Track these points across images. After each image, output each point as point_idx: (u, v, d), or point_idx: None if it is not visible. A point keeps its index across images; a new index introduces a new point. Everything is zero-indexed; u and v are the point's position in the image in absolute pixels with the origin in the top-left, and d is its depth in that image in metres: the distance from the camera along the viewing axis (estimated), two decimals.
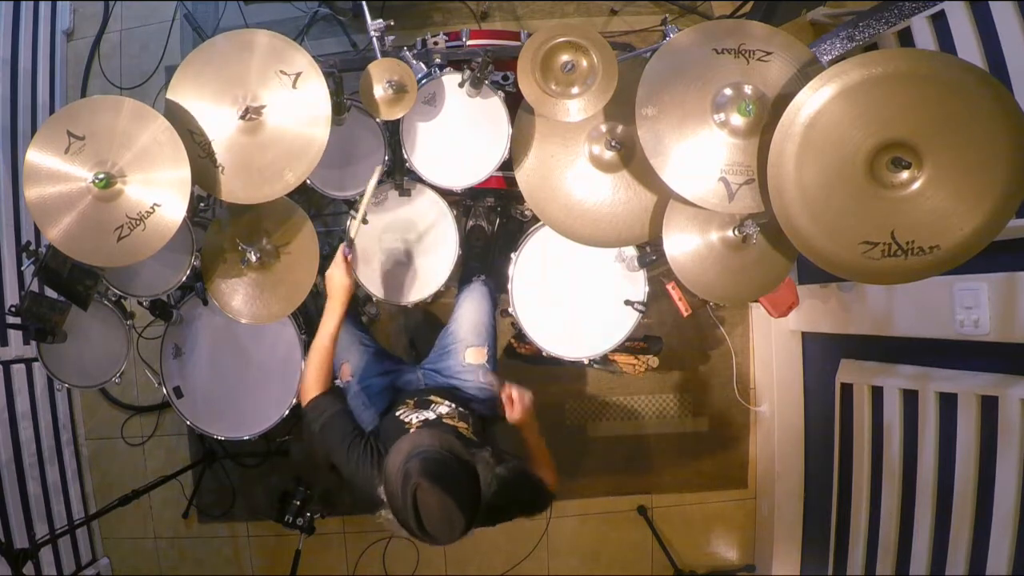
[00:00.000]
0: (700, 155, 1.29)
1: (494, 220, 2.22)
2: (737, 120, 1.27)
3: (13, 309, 1.54)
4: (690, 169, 1.29)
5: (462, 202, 2.08)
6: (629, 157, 1.53)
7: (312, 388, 1.43)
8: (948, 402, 1.66)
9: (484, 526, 1.31)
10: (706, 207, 1.29)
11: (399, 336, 2.44)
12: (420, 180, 1.74)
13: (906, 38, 1.89)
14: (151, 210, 1.35)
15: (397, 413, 1.48)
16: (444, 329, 1.83)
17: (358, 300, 2.26)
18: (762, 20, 2.30)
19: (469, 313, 1.78)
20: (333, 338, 1.47)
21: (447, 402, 1.54)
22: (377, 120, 1.69)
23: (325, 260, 2.19)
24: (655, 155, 1.28)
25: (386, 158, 1.75)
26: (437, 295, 1.89)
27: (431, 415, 1.46)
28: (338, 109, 1.54)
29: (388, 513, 1.22)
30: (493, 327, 1.80)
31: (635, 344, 2.07)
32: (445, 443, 1.19)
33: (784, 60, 1.29)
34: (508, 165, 1.64)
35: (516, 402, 1.51)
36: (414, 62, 1.68)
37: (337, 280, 1.49)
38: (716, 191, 1.29)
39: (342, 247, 1.53)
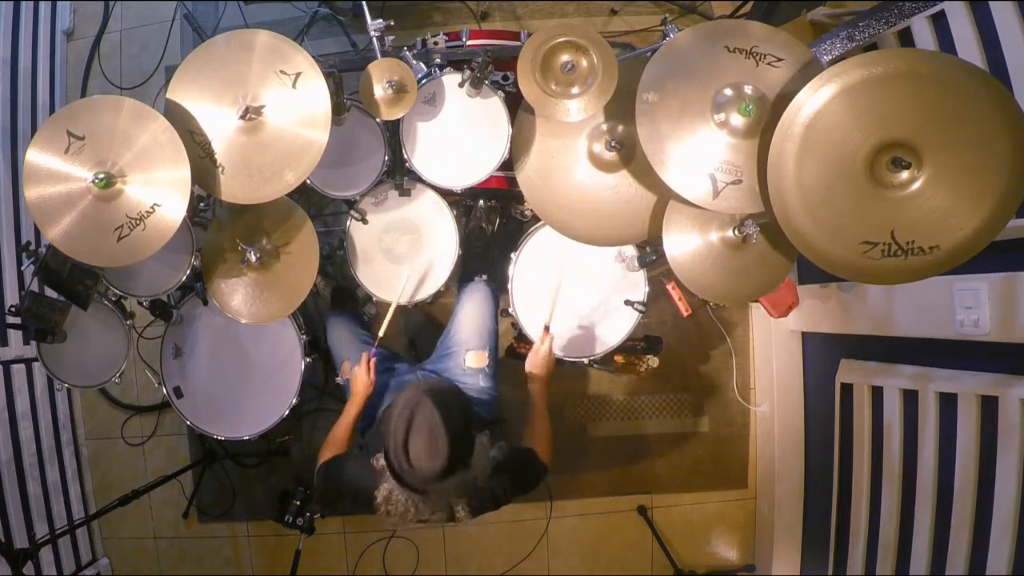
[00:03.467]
0: (694, 149, 1.29)
1: (494, 220, 2.22)
2: (737, 120, 1.27)
3: (13, 309, 1.54)
4: (681, 160, 1.29)
5: (462, 202, 2.08)
6: (629, 157, 1.53)
7: (327, 453, 1.52)
8: (948, 402, 1.66)
9: (481, 510, 1.34)
10: (687, 199, 1.30)
11: (399, 336, 2.44)
12: (420, 180, 1.74)
13: (906, 38, 1.88)
14: (151, 210, 1.35)
15: None
16: (444, 331, 1.82)
17: (358, 299, 2.26)
18: (762, 20, 2.30)
19: (470, 314, 1.77)
20: (351, 425, 1.59)
21: None
22: (377, 120, 1.69)
23: (325, 260, 2.22)
24: (649, 141, 1.29)
25: (386, 158, 1.75)
26: (437, 295, 1.89)
27: None
28: (338, 109, 1.54)
29: (382, 486, 1.25)
30: (495, 329, 1.79)
31: (635, 344, 2.07)
32: (457, 391, 1.27)
33: (793, 67, 1.29)
34: (508, 165, 1.64)
35: (545, 345, 1.60)
36: (414, 62, 1.68)
37: (360, 381, 1.60)
38: (702, 186, 1.29)
39: (369, 352, 1.63)
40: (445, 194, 1.82)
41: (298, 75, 1.41)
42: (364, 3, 1.64)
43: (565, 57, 1.43)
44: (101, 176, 1.31)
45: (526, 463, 1.46)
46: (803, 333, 2.36)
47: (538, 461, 1.48)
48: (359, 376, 1.61)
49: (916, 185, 1.13)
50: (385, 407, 1.31)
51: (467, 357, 1.72)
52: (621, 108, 1.45)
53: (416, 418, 1.15)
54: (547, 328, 1.65)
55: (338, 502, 1.45)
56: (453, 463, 1.16)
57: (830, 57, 1.48)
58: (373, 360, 1.62)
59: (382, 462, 1.24)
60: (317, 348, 2.11)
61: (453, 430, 1.15)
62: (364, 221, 1.81)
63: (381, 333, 1.65)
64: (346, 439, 1.56)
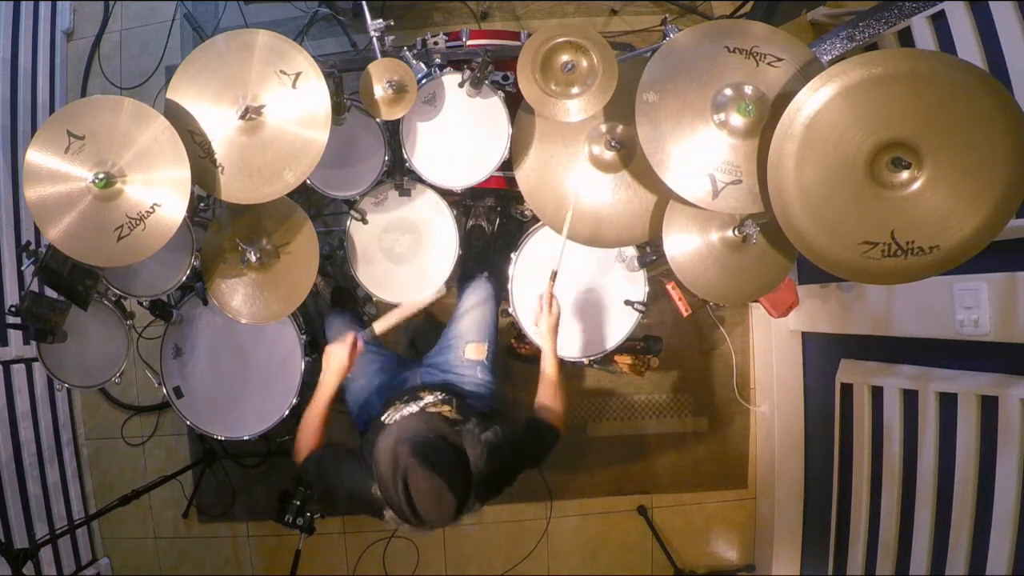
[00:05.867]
0: (694, 149, 1.29)
1: (494, 220, 2.23)
2: (737, 120, 1.27)
3: (13, 309, 1.54)
4: (681, 160, 1.29)
5: (462, 202, 2.08)
6: (629, 157, 1.53)
7: (304, 449, 1.43)
8: (948, 402, 1.66)
9: (492, 495, 1.32)
10: (687, 199, 1.30)
11: (399, 336, 2.44)
12: (420, 180, 1.74)
13: (906, 38, 1.89)
14: (151, 210, 1.35)
15: (383, 417, 1.48)
16: (447, 326, 1.83)
17: (358, 299, 2.26)
18: (762, 20, 2.31)
19: (472, 309, 1.78)
20: (327, 407, 1.47)
21: (436, 393, 1.55)
22: (377, 120, 1.69)
23: (325, 260, 2.22)
24: (649, 141, 1.29)
25: (386, 158, 1.75)
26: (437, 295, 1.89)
27: (414, 407, 1.46)
28: (338, 109, 1.54)
29: (389, 511, 1.23)
30: (495, 324, 1.80)
31: (635, 344, 2.08)
32: (432, 426, 1.22)
33: (793, 67, 1.29)
34: (508, 165, 1.64)
35: (551, 306, 1.53)
36: (414, 62, 1.68)
37: (335, 359, 1.48)
38: (701, 186, 1.29)
39: (359, 334, 1.53)
40: (445, 194, 1.82)
41: (298, 75, 1.41)
42: (364, 3, 1.64)
43: (565, 57, 1.42)
44: (101, 176, 1.31)
45: (530, 433, 1.42)
46: (803, 333, 2.36)
47: (545, 426, 1.42)
48: (335, 355, 1.48)
49: (916, 185, 1.13)
50: (375, 444, 1.24)
51: (467, 349, 1.72)
52: (621, 108, 1.45)
53: (413, 485, 1.11)
54: (551, 291, 1.56)
55: (335, 499, 1.41)
56: (464, 501, 1.16)
57: (830, 57, 1.48)
58: (361, 344, 1.53)
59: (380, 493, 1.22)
60: (317, 348, 2.10)
61: (453, 478, 1.13)
62: (364, 221, 1.81)
63: (378, 331, 1.60)
64: (320, 428, 1.45)
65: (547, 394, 1.50)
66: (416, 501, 1.12)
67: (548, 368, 1.52)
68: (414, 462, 1.11)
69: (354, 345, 1.50)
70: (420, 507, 1.12)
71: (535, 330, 1.58)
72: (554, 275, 1.57)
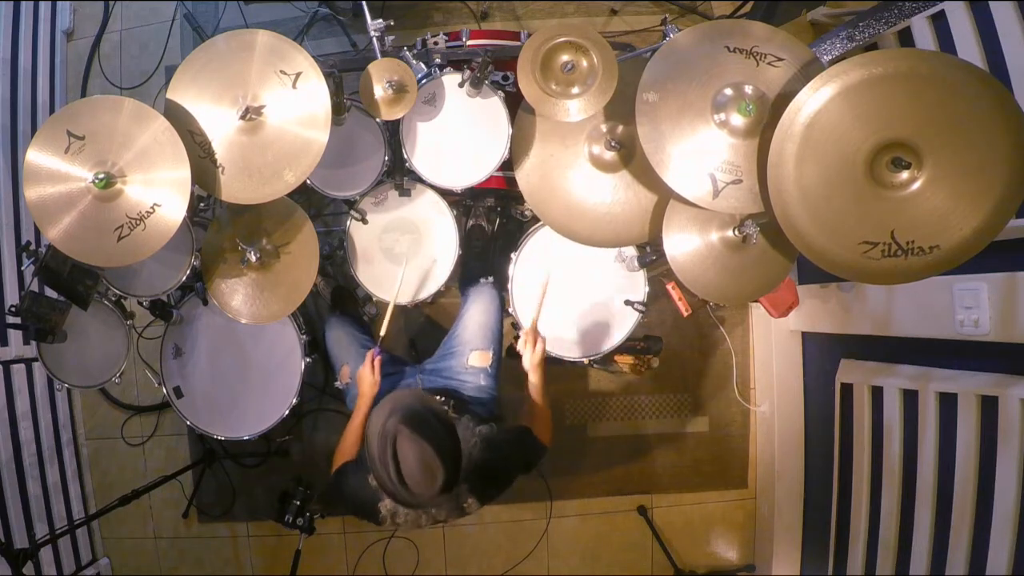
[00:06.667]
0: (694, 149, 1.29)
1: (494, 220, 2.23)
2: (737, 120, 1.27)
3: (13, 309, 1.54)
4: (681, 160, 1.29)
5: (462, 202, 2.08)
6: (629, 157, 1.54)
7: (336, 463, 1.51)
8: (948, 402, 1.66)
9: (488, 491, 1.34)
10: (687, 199, 1.30)
11: (399, 336, 2.44)
12: (420, 180, 1.74)
13: (906, 38, 1.89)
14: (151, 210, 1.35)
15: None
16: (450, 331, 1.82)
17: (358, 300, 2.26)
18: (762, 20, 2.31)
19: (477, 316, 1.77)
20: (360, 429, 1.54)
21: (436, 396, 1.57)
22: (377, 120, 1.69)
23: (325, 260, 2.22)
24: (649, 141, 1.29)
25: (386, 158, 1.75)
26: (437, 295, 1.89)
27: None
28: (338, 109, 1.54)
29: (386, 501, 1.24)
30: (500, 331, 1.79)
31: (635, 344, 2.07)
32: (423, 399, 1.24)
33: (793, 67, 1.29)
34: (508, 165, 1.64)
35: (536, 342, 1.58)
36: (414, 62, 1.68)
37: (366, 381, 1.60)
38: (702, 186, 1.29)
39: (372, 351, 1.62)
40: (445, 194, 1.82)
41: (298, 75, 1.41)
42: (364, 3, 1.64)
43: (565, 57, 1.43)
44: (101, 176, 1.31)
45: (522, 439, 1.46)
46: (803, 333, 2.36)
47: (534, 438, 1.46)
48: (364, 376, 1.59)
49: (916, 185, 1.13)
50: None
51: (471, 356, 1.71)
52: (621, 108, 1.45)
53: (400, 450, 1.12)
54: (535, 327, 1.61)
55: (343, 510, 1.43)
56: (452, 475, 1.16)
57: (830, 57, 1.48)
58: (378, 359, 1.61)
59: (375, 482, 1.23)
60: (317, 348, 2.11)
61: (440, 446, 1.14)
62: (364, 221, 1.81)
63: (382, 332, 1.64)
64: (356, 444, 1.53)
65: (534, 408, 1.55)
66: (404, 469, 1.12)
67: (536, 386, 1.57)
68: (403, 428, 1.12)
69: (373, 361, 1.60)
70: (406, 472, 1.12)
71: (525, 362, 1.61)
72: (534, 327, 1.62)
